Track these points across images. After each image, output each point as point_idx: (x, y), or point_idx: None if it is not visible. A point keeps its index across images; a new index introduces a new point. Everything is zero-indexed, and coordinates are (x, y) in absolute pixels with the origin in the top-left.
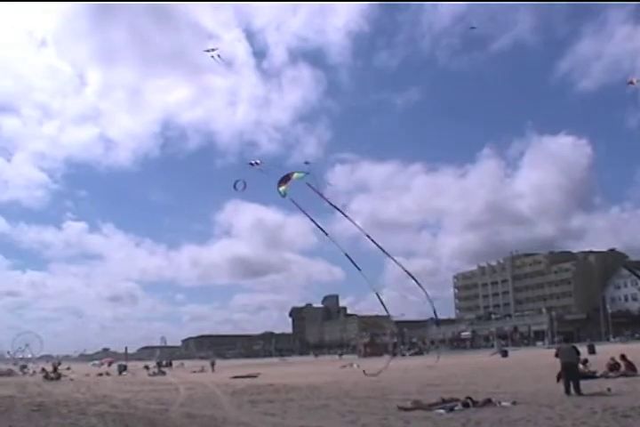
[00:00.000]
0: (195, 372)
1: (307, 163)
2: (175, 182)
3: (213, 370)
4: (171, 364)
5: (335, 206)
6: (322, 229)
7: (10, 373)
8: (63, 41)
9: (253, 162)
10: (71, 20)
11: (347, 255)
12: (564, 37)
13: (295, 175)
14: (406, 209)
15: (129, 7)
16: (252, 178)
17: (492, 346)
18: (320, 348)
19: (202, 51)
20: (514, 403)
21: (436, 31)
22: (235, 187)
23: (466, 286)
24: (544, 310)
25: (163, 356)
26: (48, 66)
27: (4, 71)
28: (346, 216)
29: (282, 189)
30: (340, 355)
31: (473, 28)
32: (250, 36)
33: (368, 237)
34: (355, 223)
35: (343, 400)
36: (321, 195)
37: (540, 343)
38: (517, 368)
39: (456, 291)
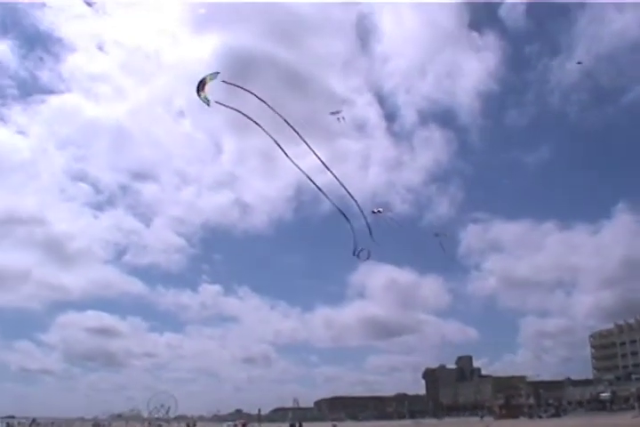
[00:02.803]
0: None
1: (437, 235)
2: (309, 245)
3: None
4: (301, 426)
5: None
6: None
7: None
8: (198, 111)
9: (375, 210)
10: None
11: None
12: None
13: (208, 78)
14: (540, 267)
15: (262, 76)
16: (382, 240)
17: (633, 408)
18: (455, 410)
19: (331, 115)
20: None
21: (565, 87)
22: (357, 256)
23: (603, 345)
24: None
25: (295, 418)
26: (185, 135)
27: (146, 140)
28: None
29: (203, 95)
30: (482, 417)
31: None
32: (381, 99)
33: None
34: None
35: None
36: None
37: None
38: None
39: (593, 351)
